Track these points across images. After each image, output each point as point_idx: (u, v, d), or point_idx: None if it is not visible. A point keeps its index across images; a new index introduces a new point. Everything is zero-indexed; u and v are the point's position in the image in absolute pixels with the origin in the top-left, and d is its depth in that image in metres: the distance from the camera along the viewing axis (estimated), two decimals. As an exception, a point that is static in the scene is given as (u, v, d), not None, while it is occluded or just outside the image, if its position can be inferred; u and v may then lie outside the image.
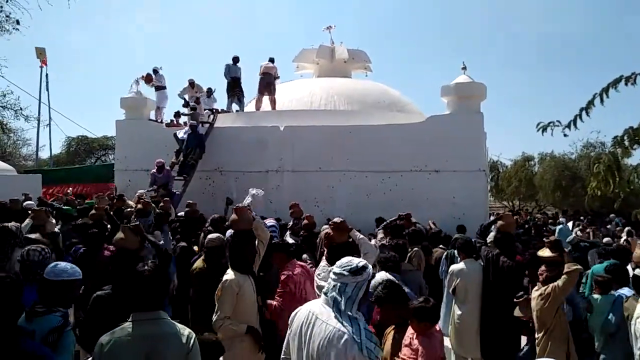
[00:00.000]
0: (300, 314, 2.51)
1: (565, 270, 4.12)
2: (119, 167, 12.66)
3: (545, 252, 4.41)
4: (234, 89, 12.93)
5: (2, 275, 2.41)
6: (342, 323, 2.28)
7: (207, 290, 4.23)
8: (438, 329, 3.41)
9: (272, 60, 12.91)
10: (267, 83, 12.62)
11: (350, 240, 4.09)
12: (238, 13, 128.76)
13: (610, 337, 4.35)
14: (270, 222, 6.40)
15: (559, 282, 4.09)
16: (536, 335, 4.28)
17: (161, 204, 7.48)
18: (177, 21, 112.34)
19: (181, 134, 11.32)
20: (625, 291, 4.47)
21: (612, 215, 18.47)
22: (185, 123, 12.45)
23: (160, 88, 13.46)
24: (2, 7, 9.73)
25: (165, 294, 2.62)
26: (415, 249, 5.99)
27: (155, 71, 13.42)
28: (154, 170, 10.25)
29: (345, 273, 2.36)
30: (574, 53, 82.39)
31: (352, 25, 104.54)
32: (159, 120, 13.36)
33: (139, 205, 6.84)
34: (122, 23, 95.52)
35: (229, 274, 3.76)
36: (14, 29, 10.69)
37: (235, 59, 12.90)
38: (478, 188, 10.72)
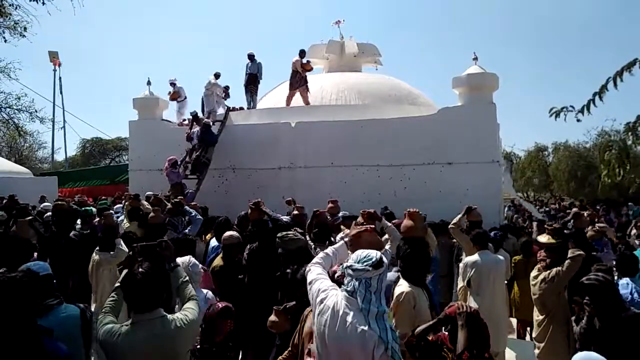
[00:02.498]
0: (324, 309, 2.49)
1: (570, 255, 4.26)
2: (133, 167, 12.78)
3: (544, 238, 4.55)
4: (248, 86, 13.01)
5: (19, 275, 2.44)
6: (369, 323, 2.31)
7: (227, 286, 4.32)
8: None
9: (300, 53, 12.63)
10: (293, 78, 12.53)
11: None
12: (246, 10, 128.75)
13: None
14: (286, 218, 6.49)
15: (563, 267, 4.23)
16: (536, 318, 4.49)
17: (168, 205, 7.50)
18: (187, 20, 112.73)
19: (194, 133, 11.38)
20: (624, 281, 4.50)
21: (630, 203, 18.26)
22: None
23: (180, 100, 13.61)
24: (10, 14, 9.86)
25: (162, 292, 2.65)
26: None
27: (173, 84, 13.58)
28: (168, 167, 10.29)
29: (369, 268, 2.36)
30: (587, 39, 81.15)
31: (361, 19, 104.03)
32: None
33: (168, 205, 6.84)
34: (135, 25, 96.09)
35: (403, 285, 3.40)
36: (21, 35, 10.84)
37: (250, 56, 12.94)
38: (492, 180, 10.62)
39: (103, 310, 2.71)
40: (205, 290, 3.34)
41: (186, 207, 6.52)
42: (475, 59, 11.27)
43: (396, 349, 2.28)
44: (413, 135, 10.80)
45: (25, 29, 10.38)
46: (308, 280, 2.74)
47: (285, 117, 11.76)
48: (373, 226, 3.13)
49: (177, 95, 13.43)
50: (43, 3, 8.32)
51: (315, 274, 2.73)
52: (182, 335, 2.58)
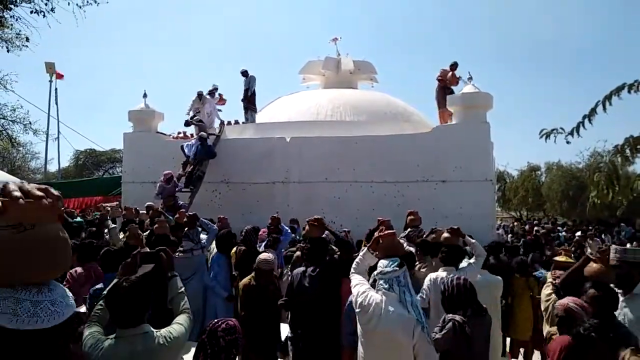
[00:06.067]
0: (367, 307, 3.06)
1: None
2: (127, 179, 12.73)
3: (561, 258, 4.69)
4: (245, 103, 13.10)
5: None
6: (407, 310, 2.93)
7: (256, 306, 4.39)
8: None
9: (452, 65, 11.79)
10: (440, 95, 11.82)
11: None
12: (245, 26, 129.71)
13: None
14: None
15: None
16: (549, 329, 4.45)
17: (177, 215, 7.53)
18: (186, 35, 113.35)
19: (188, 146, 11.38)
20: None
21: (622, 224, 18.36)
22: (192, 135, 12.53)
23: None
24: (12, 25, 9.92)
25: (146, 307, 2.59)
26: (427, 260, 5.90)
27: (217, 89, 13.81)
28: (162, 181, 10.29)
29: (396, 268, 3.03)
30: (580, 62, 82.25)
31: (358, 37, 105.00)
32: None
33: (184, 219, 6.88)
34: (132, 37, 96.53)
35: None
36: (23, 45, 10.90)
37: (242, 73, 13.04)
38: (485, 198, 10.66)
39: (90, 319, 2.66)
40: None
41: (202, 219, 6.76)
42: (470, 78, 11.38)
43: (429, 329, 2.90)
44: (407, 152, 10.86)
45: (27, 39, 10.43)
46: (352, 285, 3.34)
47: (280, 132, 11.79)
48: (393, 231, 3.44)
49: (224, 100, 13.53)
50: (44, 15, 8.39)
51: (357, 280, 3.32)
52: (165, 352, 2.52)
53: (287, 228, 7.47)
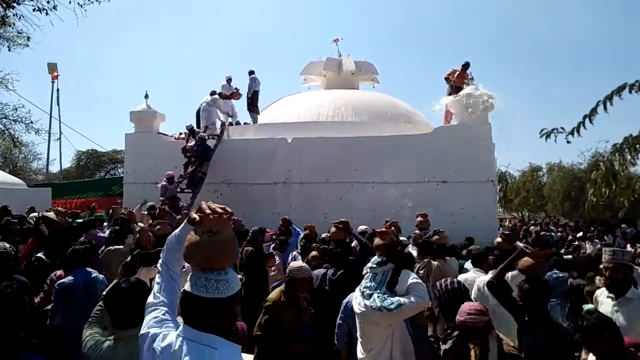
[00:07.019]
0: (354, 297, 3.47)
1: None
2: (128, 180, 12.75)
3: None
4: (248, 104, 13.10)
5: (1, 286, 2.41)
6: (365, 303, 3.18)
7: (280, 324, 3.86)
8: None
9: (463, 65, 11.99)
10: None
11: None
12: (246, 26, 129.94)
13: None
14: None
15: None
16: None
17: (179, 216, 7.54)
18: (186, 35, 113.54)
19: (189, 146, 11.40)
20: None
21: (623, 225, 18.32)
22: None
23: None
24: (14, 23, 9.97)
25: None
26: (426, 260, 5.90)
27: (230, 80, 13.42)
28: (164, 182, 10.31)
29: (375, 266, 3.28)
30: (581, 61, 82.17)
31: (359, 38, 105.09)
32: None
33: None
34: (133, 38, 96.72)
35: None
36: (25, 45, 10.94)
37: (249, 72, 13.05)
38: (487, 199, 10.66)
39: (89, 320, 2.65)
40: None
41: None
42: (472, 79, 11.37)
43: (387, 306, 3.04)
44: (409, 153, 10.85)
45: (28, 38, 10.47)
46: None
47: (281, 132, 11.79)
48: (390, 230, 3.54)
49: (239, 94, 13.19)
50: (47, 13, 8.42)
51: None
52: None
53: (298, 229, 7.40)
